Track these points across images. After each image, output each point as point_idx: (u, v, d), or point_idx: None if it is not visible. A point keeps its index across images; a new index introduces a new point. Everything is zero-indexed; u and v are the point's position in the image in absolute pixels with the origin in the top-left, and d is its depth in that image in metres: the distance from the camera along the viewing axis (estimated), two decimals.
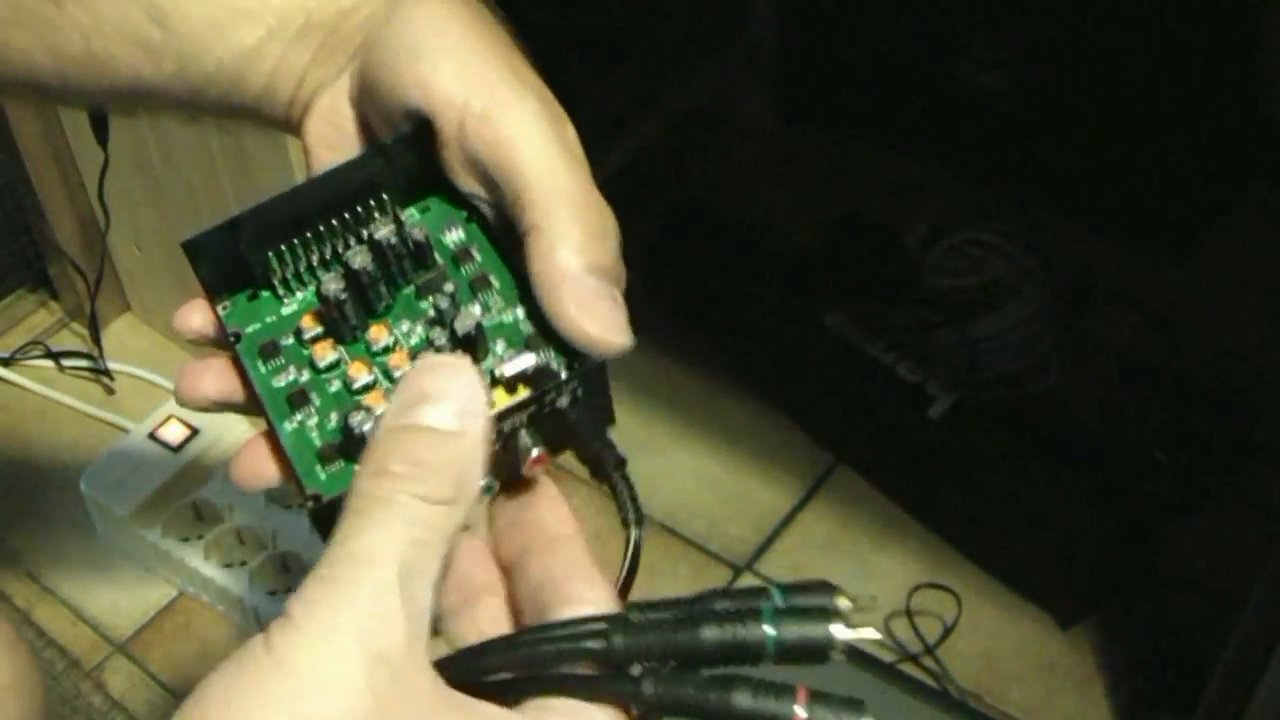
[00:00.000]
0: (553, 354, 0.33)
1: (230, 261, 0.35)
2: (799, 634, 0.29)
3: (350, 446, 0.32)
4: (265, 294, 0.36)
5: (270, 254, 0.35)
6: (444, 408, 0.29)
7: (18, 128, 1.20)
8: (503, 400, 0.32)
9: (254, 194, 1.10)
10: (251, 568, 1.09)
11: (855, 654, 1.06)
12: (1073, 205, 1.40)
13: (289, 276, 0.35)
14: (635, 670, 0.29)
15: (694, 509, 1.18)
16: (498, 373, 0.32)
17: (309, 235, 0.35)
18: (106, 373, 1.29)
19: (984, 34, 1.39)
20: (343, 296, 0.33)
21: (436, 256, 0.35)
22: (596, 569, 0.32)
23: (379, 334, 0.34)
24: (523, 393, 0.32)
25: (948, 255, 1.27)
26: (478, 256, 0.35)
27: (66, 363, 1.31)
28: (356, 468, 0.29)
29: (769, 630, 0.29)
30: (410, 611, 0.27)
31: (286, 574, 1.09)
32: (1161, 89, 1.31)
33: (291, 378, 0.34)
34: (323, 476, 0.32)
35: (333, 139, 0.38)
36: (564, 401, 0.32)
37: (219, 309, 0.36)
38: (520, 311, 0.34)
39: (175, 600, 1.14)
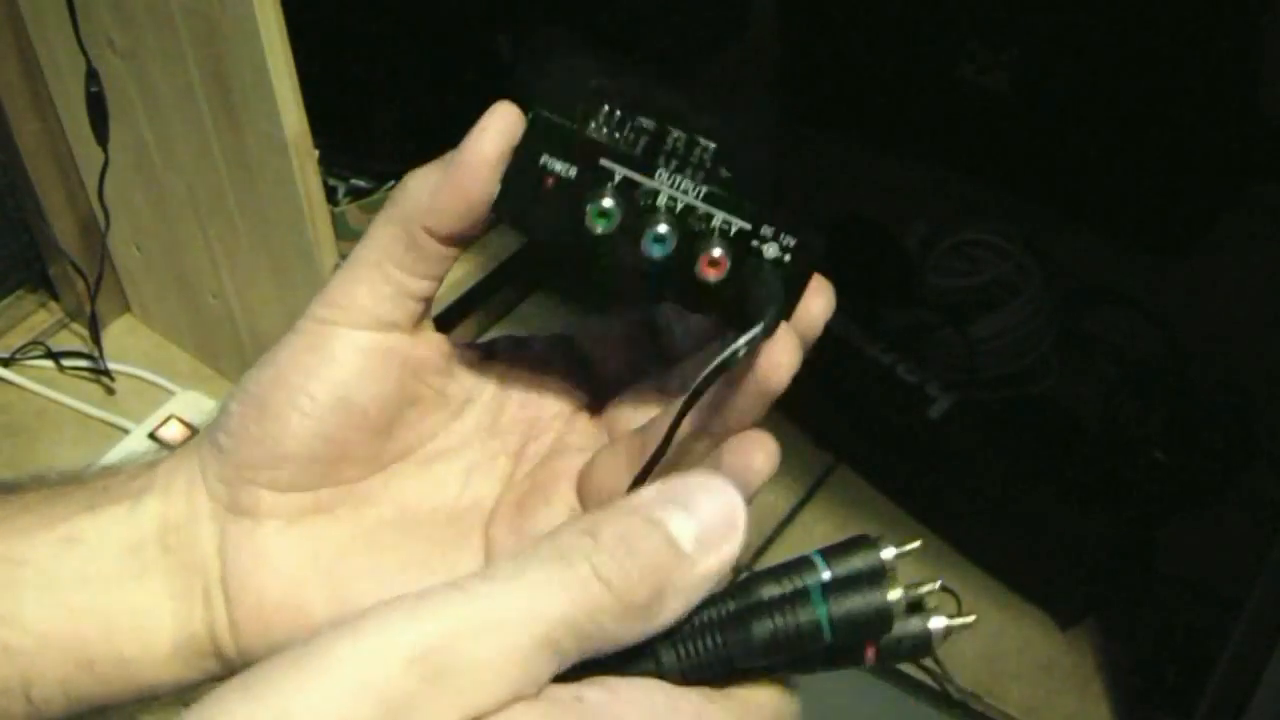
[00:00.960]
0: (782, 234, 0.33)
1: (569, 97, 0.34)
2: (852, 609, 0.28)
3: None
4: (573, 128, 0.35)
5: (602, 112, 0.34)
6: (692, 524, 0.27)
7: (18, 128, 1.20)
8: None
9: (254, 194, 1.11)
10: None
11: None
12: (1073, 205, 1.40)
13: (600, 130, 0.34)
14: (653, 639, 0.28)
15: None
16: (717, 191, 0.33)
17: (641, 119, 0.34)
18: (106, 373, 1.29)
19: (984, 34, 1.39)
20: (640, 132, 0.33)
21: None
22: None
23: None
24: (741, 216, 0.33)
25: (948, 255, 1.27)
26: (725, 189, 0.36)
27: (66, 363, 1.31)
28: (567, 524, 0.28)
29: (820, 612, 0.28)
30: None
31: None
32: (1162, 89, 1.31)
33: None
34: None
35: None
36: (770, 251, 0.33)
37: (537, 113, 0.35)
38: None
39: None
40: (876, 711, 1.05)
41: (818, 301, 0.34)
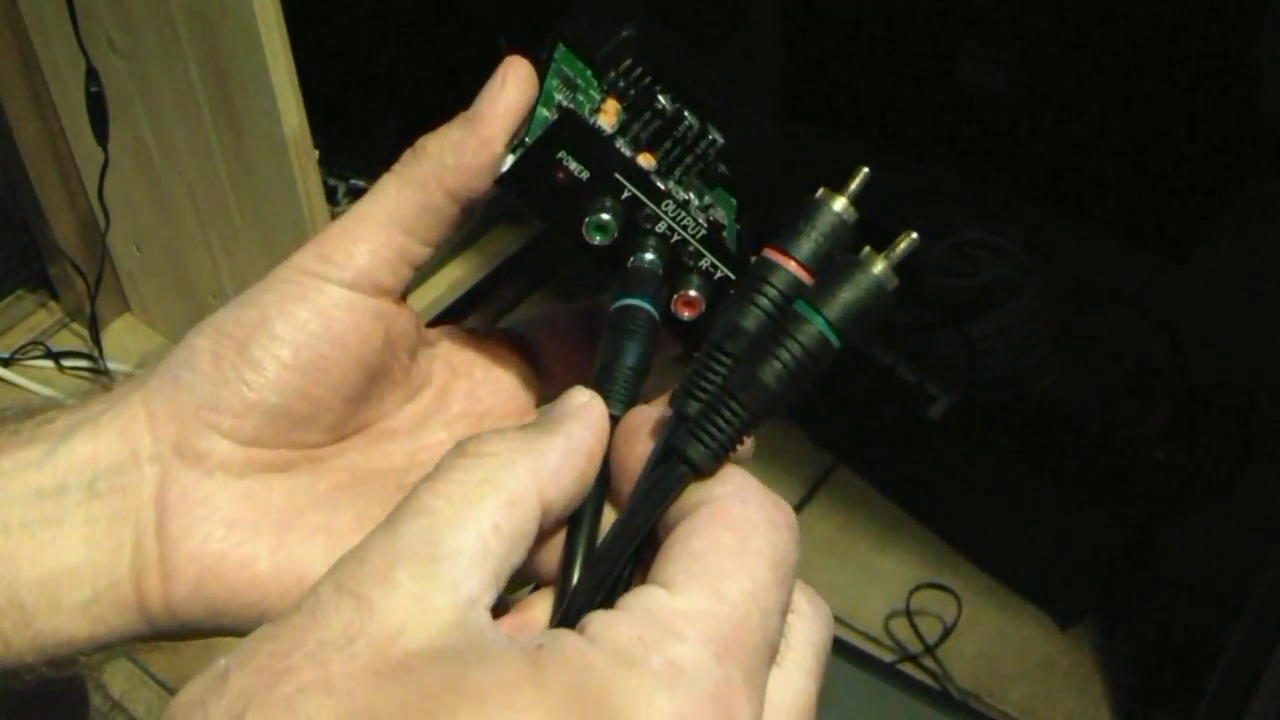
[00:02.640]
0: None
1: (594, 37, 0.37)
2: (849, 303, 0.27)
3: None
4: (590, 72, 0.38)
5: (624, 64, 0.38)
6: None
7: (18, 128, 1.20)
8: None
9: (254, 194, 1.10)
10: None
11: (855, 654, 1.06)
12: (1073, 205, 1.40)
13: (616, 84, 0.38)
14: (674, 438, 0.28)
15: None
16: (716, 236, 0.34)
17: (659, 86, 0.37)
18: (106, 373, 1.29)
19: (984, 34, 1.39)
20: (656, 112, 0.36)
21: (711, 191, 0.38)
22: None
23: (646, 159, 0.35)
24: (727, 265, 0.34)
25: (948, 255, 1.27)
26: (723, 221, 0.37)
27: (66, 363, 1.31)
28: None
29: (819, 323, 0.27)
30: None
31: None
32: (1161, 89, 1.31)
33: (567, 103, 0.36)
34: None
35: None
36: (712, 269, 0.34)
37: (561, 45, 0.38)
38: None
39: None
40: (877, 712, 1.05)
41: None
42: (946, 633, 1.09)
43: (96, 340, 1.28)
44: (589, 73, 0.39)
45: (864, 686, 1.04)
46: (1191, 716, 0.91)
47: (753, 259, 0.30)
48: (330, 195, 1.17)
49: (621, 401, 0.31)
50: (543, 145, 0.33)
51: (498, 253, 1.25)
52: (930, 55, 1.44)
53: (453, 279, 1.22)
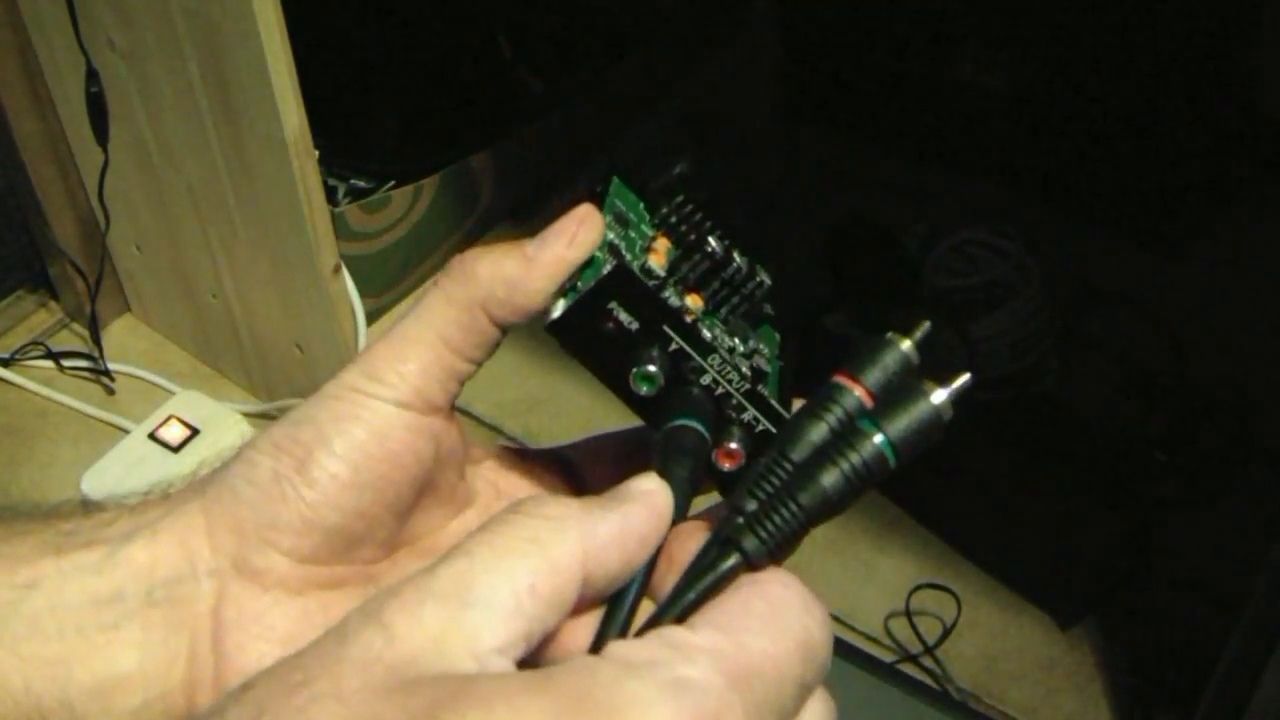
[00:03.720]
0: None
1: (647, 170, 0.39)
2: (908, 425, 0.29)
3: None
4: (642, 205, 0.39)
5: (676, 200, 0.39)
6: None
7: (18, 127, 1.20)
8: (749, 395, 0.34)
9: (254, 194, 1.10)
10: None
11: (855, 654, 1.06)
12: (1072, 205, 1.40)
13: (668, 219, 0.39)
14: (729, 530, 0.29)
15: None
16: (759, 389, 0.35)
17: (709, 222, 0.39)
18: (106, 373, 1.29)
19: (983, 34, 1.39)
20: (706, 254, 0.37)
21: (755, 331, 0.39)
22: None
23: (694, 300, 0.36)
24: (770, 419, 0.34)
25: (948, 255, 1.27)
26: (768, 369, 0.38)
27: (66, 363, 1.31)
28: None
29: (879, 441, 0.29)
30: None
31: None
32: (1161, 88, 1.31)
33: (619, 242, 0.36)
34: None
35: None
36: (754, 422, 0.34)
37: (615, 179, 0.39)
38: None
39: None
40: (876, 712, 1.05)
41: None
42: (946, 633, 1.09)
43: (96, 340, 1.28)
44: (641, 206, 0.39)
45: (864, 686, 1.04)
46: (1191, 716, 0.91)
47: (827, 383, 0.31)
48: (330, 195, 1.17)
49: (678, 508, 0.31)
50: (595, 296, 0.33)
51: None
52: (930, 55, 1.44)
53: None
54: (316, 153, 1.03)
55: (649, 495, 0.30)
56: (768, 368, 0.37)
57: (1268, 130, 1.34)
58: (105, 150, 1.12)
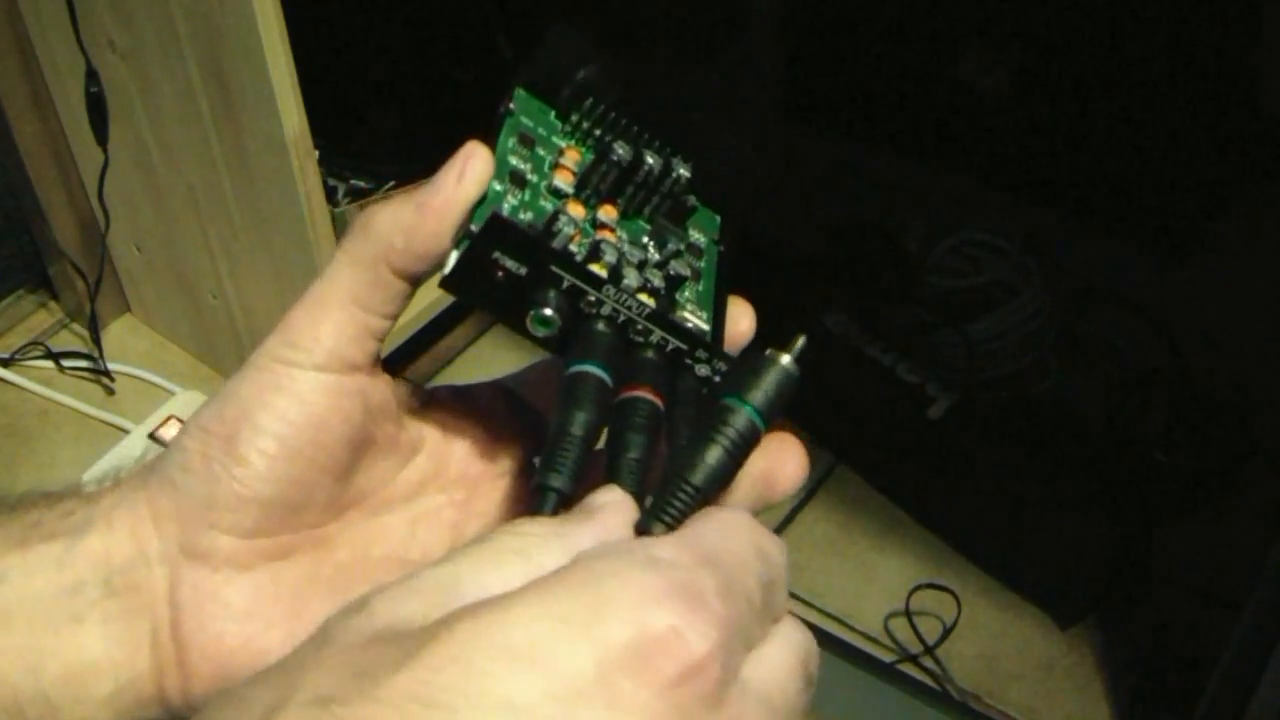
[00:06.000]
0: (715, 360, 0.35)
1: (558, 74, 0.38)
2: (767, 391, 0.32)
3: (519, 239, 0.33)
4: (553, 114, 0.39)
5: (586, 104, 0.38)
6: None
7: (18, 127, 1.20)
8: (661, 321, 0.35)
9: (254, 194, 1.10)
10: None
11: (855, 654, 1.06)
12: (1073, 206, 1.40)
13: (580, 124, 0.39)
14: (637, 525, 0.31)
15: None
16: (677, 316, 0.35)
17: (624, 121, 0.38)
18: (106, 373, 1.29)
19: (984, 35, 1.39)
20: (613, 163, 0.36)
21: (683, 224, 0.39)
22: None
23: (608, 211, 0.36)
24: (678, 337, 0.35)
25: (948, 255, 1.27)
26: (700, 263, 0.38)
27: (66, 363, 1.31)
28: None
29: (747, 408, 0.31)
30: None
31: None
32: (1162, 89, 1.31)
33: (523, 166, 0.36)
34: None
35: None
36: (701, 370, 0.35)
37: (519, 90, 0.39)
38: (704, 315, 0.37)
39: None
40: (877, 712, 1.05)
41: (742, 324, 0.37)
42: (946, 633, 1.09)
43: (96, 340, 1.28)
44: (551, 115, 0.39)
45: (864, 686, 1.04)
46: (1191, 716, 0.91)
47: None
48: (330, 195, 1.17)
49: (573, 477, 0.32)
50: (477, 249, 0.33)
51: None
52: (930, 56, 1.44)
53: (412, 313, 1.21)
54: (316, 153, 1.03)
55: (617, 505, 0.31)
56: (691, 266, 0.38)
57: (1268, 131, 1.34)
58: (105, 150, 1.12)
